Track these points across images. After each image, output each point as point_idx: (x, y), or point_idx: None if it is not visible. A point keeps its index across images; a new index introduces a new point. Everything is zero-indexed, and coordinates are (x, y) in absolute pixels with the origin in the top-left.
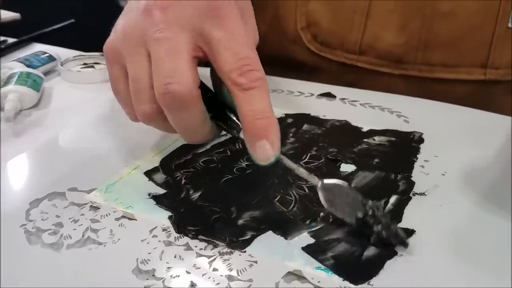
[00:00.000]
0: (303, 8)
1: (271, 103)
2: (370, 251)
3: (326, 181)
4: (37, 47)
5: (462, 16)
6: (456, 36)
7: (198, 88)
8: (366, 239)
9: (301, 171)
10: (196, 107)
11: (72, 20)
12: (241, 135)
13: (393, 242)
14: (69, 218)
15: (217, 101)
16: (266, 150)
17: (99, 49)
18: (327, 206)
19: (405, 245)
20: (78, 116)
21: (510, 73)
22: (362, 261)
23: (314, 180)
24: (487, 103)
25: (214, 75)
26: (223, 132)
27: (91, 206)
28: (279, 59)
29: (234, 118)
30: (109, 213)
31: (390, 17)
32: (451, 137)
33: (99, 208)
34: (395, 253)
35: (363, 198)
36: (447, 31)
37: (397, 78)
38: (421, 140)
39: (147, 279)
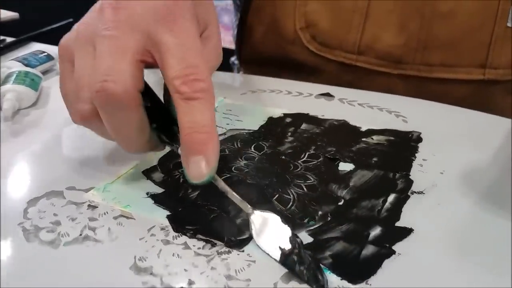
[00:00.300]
0: (302, 8)
1: (269, 102)
2: (369, 250)
3: (258, 212)
4: (36, 46)
5: (461, 16)
6: (455, 36)
7: (138, 91)
8: (365, 238)
9: (234, 196)
10: (133, 110)
11: (71, 20)
12: (180, 151)
13: (311, 284)
14: (67, 217)
15: (166, 114)
16: (200, 167)
17: None
18: (255, 237)
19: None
20: None
21: (509, 73)
22: (360, 260)
23: (246, 208)
24: (486, 103)
25: (165, 84)
26: (221, 131)
27: (89, 205)
28: (278, 59)
29: (178, 133)
30: (107, 212)
31: (389, 17)
32: (449, 137)
33: (97, 207)
34: (393, 252)
35: (292, 234)
36: (446, 32)
37: (396, 78)
38: (419, 140)
39: (145, 275)
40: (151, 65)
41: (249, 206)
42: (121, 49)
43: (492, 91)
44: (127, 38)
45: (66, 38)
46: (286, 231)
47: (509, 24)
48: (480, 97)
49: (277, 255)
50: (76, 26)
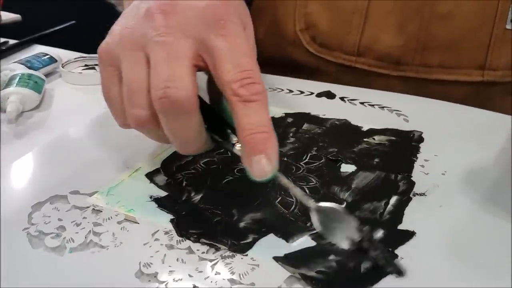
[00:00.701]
0: (302, 10)
1: (270, 101)
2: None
3: (322, 204)
4: (38, 48)
5: (460, 18)
6: (454, 38)
7: (196, 96)
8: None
9: (296, 191)
10: (193, 115)
11: (73, 22)
12: (236, 150)
13: (389, 269)
14: (72, 222)
15: (213, 114)
16: (263, 165)
17: None
18: (321, 230)
19: (401, 274)
20: (80, 118)
21: (508, 74)
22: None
23: (308, 202)
24: (485, 104)
25: (211, 87)
26: None
27: (93, 209)
28: (278, 60)
29: (230, 132)
30: (111, 217)
31: (388, 19)
32: (451, 136)
33: (101, 212)
34: (396, 256)
35: (359, 224)
36: (445, 33)
37: (395, 80)
38: (421, 139)
39: (150, 281)
40: (203, 69)
41: (311, 200)
42: (177, 55)
43: (491, 92)
44: (181, 44)
45: (107, 42)
46: (352, 221)
47: (508, 26)
48: (479, 99)
49: (345, 245)
50: (118, 30)
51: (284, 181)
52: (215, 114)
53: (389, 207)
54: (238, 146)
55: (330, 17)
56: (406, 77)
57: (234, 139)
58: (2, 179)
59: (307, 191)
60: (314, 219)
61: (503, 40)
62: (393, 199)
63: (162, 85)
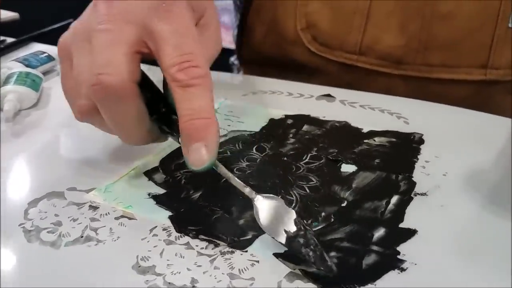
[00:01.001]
0: (303, 9)
1: (271, 104)
2: (373, 252)
3: (262, 196)
4: (36, 46)
5: (461, 17)
6: (456, 37)
7: (134, 83)
8: (369, 239)
9: (237, 182)
10: (130, 102)
11: (71, 20)
12: (180, 141)
13: (318, 266)
14: (68, 217)
15: (166, 105)
16: (200, 153)
17: None
18: (260, 222)
19: (331, 272)
20: None
21: (510, 73)
22: (365, 262)
23: (249, 193)
24: (486, 103)
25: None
26: (222, 133)
27: (90, 205)
28: (279, 60)
29: (175, 122)
30: (108, 212)
31: (389, 18)
32: (452, 138)
33: (98, 208)
34: (398, 253)
35: (297, 217)
36: (446, 33)
37: (397, 79)
38: (421, 141)
39: (148, 274)
40: (149, 57)
41: (252, 191)
42: (116, 42)
43: (493, 91)
44: (122, 31)
45: (64, 37)
46: (291, 214)
47: (510, 25)
48: (480, 98)
49: (282, 238)
50: (73, 25)
51: (224, 171)
52: (168, 105)
53: (390, 206)
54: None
55: (331, 16)
56: (407, 76)
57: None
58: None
59: (308, 190)
60: (255, 211)
61: (505, 39)
62: (394, 199)
63: (95, 71)
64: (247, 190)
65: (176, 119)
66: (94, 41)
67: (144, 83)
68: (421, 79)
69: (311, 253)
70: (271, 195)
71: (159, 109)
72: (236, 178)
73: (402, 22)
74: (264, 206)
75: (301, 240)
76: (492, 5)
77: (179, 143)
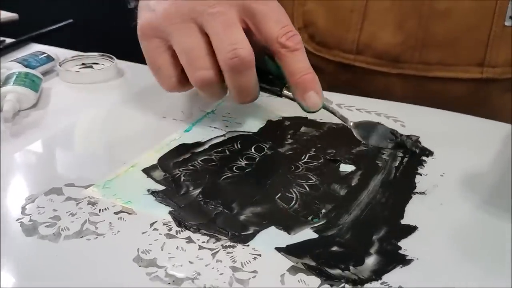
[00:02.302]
0: (300, 8)
1: (269, 106)
2: (375, 248)
3: (357, 121)
4: (35, 47)
5: (458, 15)
6: (453, 35)
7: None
8: (370, 235)
9: (341, 115)
10: (254, 68)
11: (71, 20)
12: (284, 92)
13: (420, 152)
14: (67, 212)
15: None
16: (314, 98)
17: (98, 49)
18: (362, 139)
19: (430, 153)
20: (77, 117)
21: (507, 71)
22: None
23: (347, 121)
24: (484, 101)
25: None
26: (221, 133)
27: (89, 201)
28: None
29: (278, 79)
30: (107, 208)
31: (386, 16)
32: (447, 141)
33: (97, 203)
34: (399, 248)
35: (391, 129)
36: (443, 30)
37: (395, 78)
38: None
39: (149, 266)
40: (245, 31)
41: (348, 120)
42: (232, 22)
43: (490, 89)
44: (231, 12)
45: (147, 18)
46: (384, 127)
47: (507, 23)
48: (478, 96)
49: (386, 144)
50: (160, 7)
51: (332, 107)
52: (259, 69)
53: (391, 203)
54: (285, 90)
55: (328, 15)
56: (405, 75)
57: (280, 84)
58: None
59: (307, 188)
60: (355, 133)
61: (502, 37)
62: (394, 196)
63: (230, 48)
64: (344, 118)
65: (272, 78)
66: (211, 22)
67: None
68: (419, 77)
69: (413, 146)
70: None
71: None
72: (339, 112)
73: (399, 19)
74: (361, 128)
75: (402, 140)
76: (488, 3)
77: (281, 95)
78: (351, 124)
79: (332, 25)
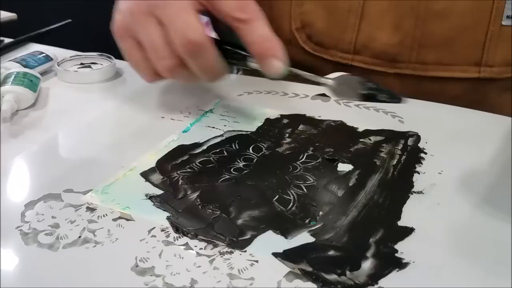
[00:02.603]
0: (298, 9)
1: (267, 104)
2: (372, 251)
3: (330, 76)
4: (34, 47)
5: (455, 15)
6: (450, 35)
7: (207, 33)
8: (367, 238)
9: (306, 74)
10: (211, 48)
11: (69, 20)
12: (252, 64)
13: (394, 99)
14: (65, 219)
15: (219, 45)
16: (276, 65)
17: (96, 49)
18: (336, 96)
19: (399, 100)
20: (75, 117)
21: (505, 71)
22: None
23: (323, 80)
24: (482, 101)
25: (213, 24)
26: (219, 133)
27: (87, 207)
28: None
29: (241, 52)
30: (106, 214)
31: (384, 17)
32: (447, 137)
33: (96, 209)
34: (396, 251)
35: (361, 79)
36: (440, 30)
37: (392, 77)
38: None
39: (147, 276)
40: (203, 11)
41: (323, 77)
42: (184, 8)
43: (488, 89)
44: None
45: (118, 20)
46: (356, 79)
47: (504, 23)
48: (476, 95)
49: (358, 98)
50: (125, 8)
51: (295, 71)
52: (225, 45)
53: (388, 204)
54: (251, 62)
55: (326, 16)
56: (402, 75)
57: (245, 55)
58: None
59: (305, 189)
60: (327, 91)
61: (499, 37)
62: (391, 197)
63: (181, 34)
64: (315, 77)
65: (237, 51)
66: (164, 13)
67: None
68: (416, 77)
69: (385, 94)
70: (338, 73)
71: (225, 49)
72: (306, 73)
73: (396, 20)
74: (336, 83)
75: (374, 92)
76: (485, 2)
77: (248, 66)
78: (323, 81)
79: (329, 26)
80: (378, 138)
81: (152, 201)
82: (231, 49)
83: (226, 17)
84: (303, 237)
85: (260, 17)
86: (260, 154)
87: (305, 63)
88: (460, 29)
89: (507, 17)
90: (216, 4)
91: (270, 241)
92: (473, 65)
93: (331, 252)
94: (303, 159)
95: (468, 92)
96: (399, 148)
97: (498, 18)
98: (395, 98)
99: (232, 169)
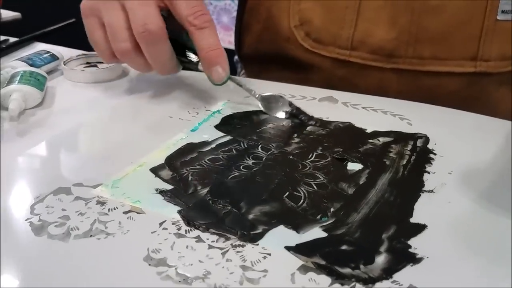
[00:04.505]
0: (296, 7)
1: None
2: (385, 246)
3: (263, 95)
4: (39, 46)
5: (450, 10)
6: (446, 30)
7: (165, 28)
8: (380, 234)
9: (247, 88)
10: (166, 42)
11: (73, 20)
12: (199, 67)
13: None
14: (76, 212)
15: (176, 44)
16: (219, 72)
17: None
18: (267, 111)
19: (311, 119)
20: (82, 115)
21: (501, 65)
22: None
23: (252, 93)
24: (479, 95)
25: (172, 24)
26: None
27: (97, 200)
28: (274, 57)
29: (192, 55)
30: (116, 207)
31: (380, 13)
32: (455, 139)
33: (106, 203)
34: (409, 246)
35: (289, 101)
36: (436, 25)
37: (389, 72)
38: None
39: (159, 266)
40: (163, 8)
41: (254, 91)
42: (147, 1)
43: (485, 83)
44: None
45: (87, 1)
46: (285, 100)
47: (499, 17)
48: (473, 90)
49: (282, 115)
50: None
51: (236, 79)
52: (178, 44)
53: (399, 202)
54: (200, 64)
55: (323, 13)
56: (399, 70)
57: (196, 60)
58: (4, 174)
59: (315, 187)
60: (261, 105)
61: (494, 31)
62: (403, 195)
63: (141, 22)
64: (250, 90)
65: (188, 53)
66: (129, 1)
67: None
68: (413, 72)
69: (303, 116)
70: (269, 93)
71: (175, 48)
72: (246, 85)
73: (392, 16)
74: (266, 100)
75: (295, 112)
76: None
77: (197, 69)
78: (257, 96)
79: (327, 23)
80: (387, 139)
81: (162, 195)
82: (185, 49)
83: (182, 19)
84: (315, 232)
85: (211, 25)
86: (269, 153)
87: (304, 60)
88: (456, 24)
89: (502, 11)
90: (175, 5)
91: (282, 236)
92: (469, 60)
93: (344, 247)
94: (312, 158)
95: (465, 87)
96: (408, 149)
97: (493, 13)
98: (311, 119)
99: (241, 167)
